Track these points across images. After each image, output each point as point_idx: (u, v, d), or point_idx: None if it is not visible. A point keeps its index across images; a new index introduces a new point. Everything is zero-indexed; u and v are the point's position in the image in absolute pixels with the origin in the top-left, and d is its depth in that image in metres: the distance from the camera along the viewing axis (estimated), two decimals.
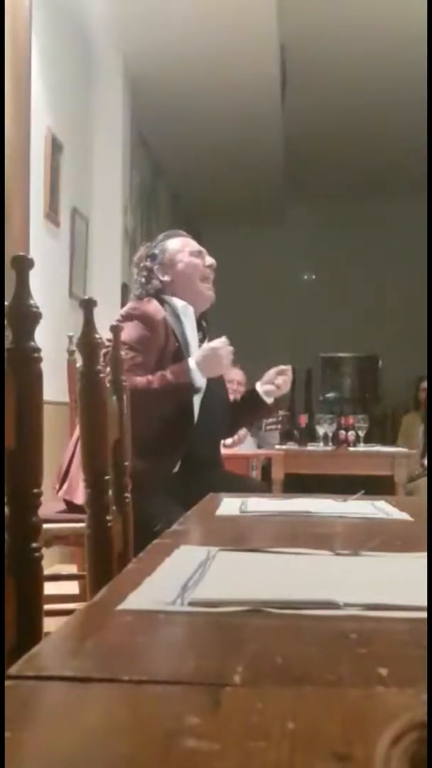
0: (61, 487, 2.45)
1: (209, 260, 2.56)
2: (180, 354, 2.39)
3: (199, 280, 2.52)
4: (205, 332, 2.57)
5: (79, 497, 2.31)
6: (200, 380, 2.33)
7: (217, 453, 2.63)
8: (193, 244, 2.58)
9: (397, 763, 0.36)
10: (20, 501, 0.97)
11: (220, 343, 2.38)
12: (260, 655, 0.62)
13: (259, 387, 2.60)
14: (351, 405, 8.86)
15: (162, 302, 2.47)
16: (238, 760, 0.43)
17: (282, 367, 2.61)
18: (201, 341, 2.53)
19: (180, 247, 2.55)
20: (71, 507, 2.36)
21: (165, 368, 2.33)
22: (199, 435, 2.45)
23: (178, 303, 2.47)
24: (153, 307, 2.43)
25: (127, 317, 2.39)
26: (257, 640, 0.67)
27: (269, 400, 2.59)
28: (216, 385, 2.53)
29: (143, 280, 2.53)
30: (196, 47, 5.08)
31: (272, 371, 2.61)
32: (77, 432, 2.40)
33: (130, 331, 2.30)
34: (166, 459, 2.38)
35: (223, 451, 3.45)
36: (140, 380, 2.25)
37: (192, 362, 2.33)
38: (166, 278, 2.51)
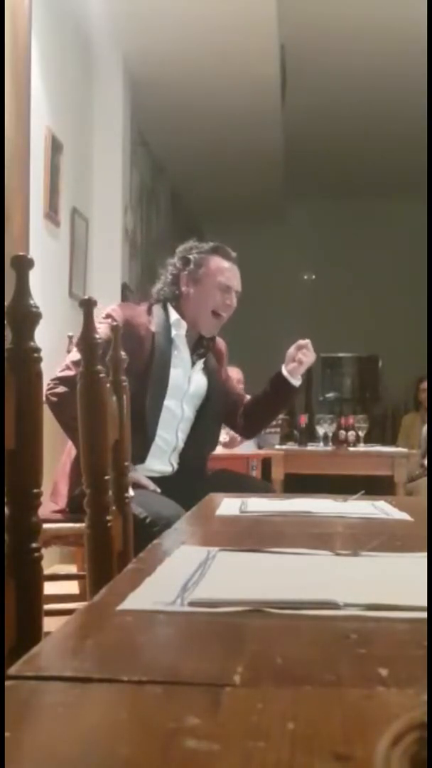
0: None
1: (233, 302, 2.49)
2: (150, 367, 2.31)
3: (211, 313, 2.46)
4: (207, 348, 2.51)
5: (61, 501, 2.31)
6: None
7: (203, 464, 2.55)
8: (228, 277, 2.48)
9: (397, 763, 0.36)
10: (20, 501, 0.97)
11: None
12: (260, 655, 0.62)
13: (284, 369, 2.51)
14: (351, 405, 8.85)
15: (164, 309, 2.44)
16: (238, 760, 0.43)
17: (300, 342, 2.52)
18: (201, 356, 2.48)
19: (215, 271, 2.46)
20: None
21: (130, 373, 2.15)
22: (190, 446, 2.43)
23: (173, 316, 2.43)
24: (135, 314, 2.38)
25: (107, 317, 2.29)
26: (257, 640, 0.67)
27: (296, 382, 2.51)
28: (215, 397, 2.49)
29: (169, 279, 2.48)
30: (196, 47, 5.08)
31: (291, 349, 2.51)
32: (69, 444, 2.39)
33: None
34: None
35: (223, 451, 3.45)
36: (60, 379, 2.26)
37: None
38: (185, 290, 2.46)
